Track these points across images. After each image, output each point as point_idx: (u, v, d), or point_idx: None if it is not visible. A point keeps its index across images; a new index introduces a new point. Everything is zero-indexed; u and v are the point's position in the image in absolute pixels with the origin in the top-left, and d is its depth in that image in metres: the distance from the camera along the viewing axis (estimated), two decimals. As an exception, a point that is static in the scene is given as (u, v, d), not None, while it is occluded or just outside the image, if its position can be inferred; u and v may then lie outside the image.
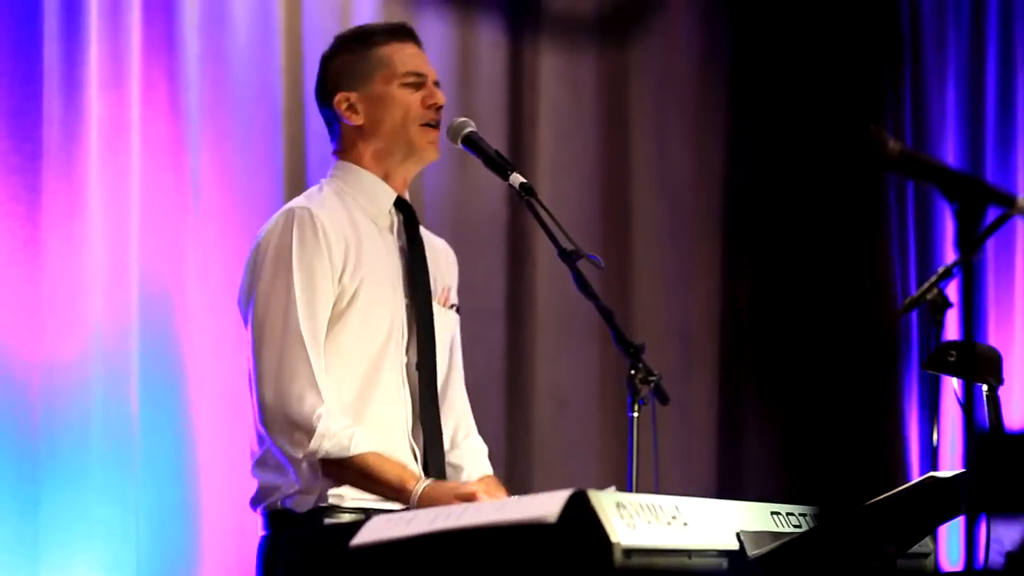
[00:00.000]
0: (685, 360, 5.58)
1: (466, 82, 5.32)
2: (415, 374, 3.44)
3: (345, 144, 3.51)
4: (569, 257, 3.40)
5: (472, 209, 5.30)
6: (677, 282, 5.63)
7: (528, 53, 5.49)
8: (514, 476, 4.96)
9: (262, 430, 3.31)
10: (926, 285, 3.92)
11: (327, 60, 3.55)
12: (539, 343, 5.38)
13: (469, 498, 3.14)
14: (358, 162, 3.50)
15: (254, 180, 4.71)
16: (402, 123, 3.46)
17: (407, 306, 3.45)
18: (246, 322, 3.40)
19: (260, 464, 3.38)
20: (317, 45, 4.93)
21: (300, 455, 3.25)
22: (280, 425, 3.27)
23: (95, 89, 4.40)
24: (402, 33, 3.53)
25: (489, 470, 3.63)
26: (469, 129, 3.51)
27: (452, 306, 3.59)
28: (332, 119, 3.52)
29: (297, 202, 3.44)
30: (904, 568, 3.09)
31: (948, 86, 6.14)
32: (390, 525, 2.62)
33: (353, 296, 3.37)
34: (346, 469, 3.27)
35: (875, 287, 5.82)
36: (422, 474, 3.34)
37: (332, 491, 3.30)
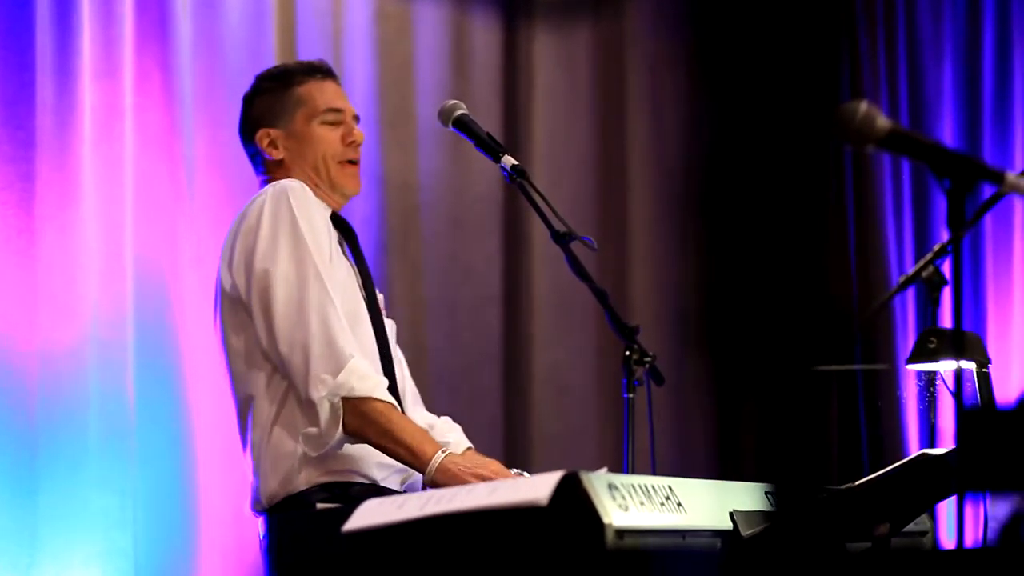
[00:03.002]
0: (682, 341, 5.57)
1: (461, 67, 5.31)
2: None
3: (272, 178, 3.60)
4: (562, 239, 3.40)
5: (468, 193, 5.30)
6: (673, 263, 5.62)
7: (522, 37, 5.48)
8: (513, 459, 4.95)
9: (298, 373, 3.27)
10: (921, 263, 3.91)
11: (249, 99, 3.71)
12: (536, 326, 5.38)
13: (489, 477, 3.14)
14: None
15: (248, 167, 4.67)
16: (323, 160, 3.57)
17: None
18: (249, 288, 3.38)
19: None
20: (310, 30, 4.93)
21: (324, 392, 3.23)
22: (314, 361, 3.25)
23: (88, 78, 4.39)
24: (321, 72, 3.66)
25: (469, 444, 3.64)
26: (460, 112, 3.51)
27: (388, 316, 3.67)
28: (255, 154, 3.67)
29: (273, 185, 3.49)
30: (900, 546, 3.09)
31: (945, 62, 6.12)
32: (382, 510, 2.61)
33: (340, 284, 3.43)
34: (368, 420, 3.25)
35: (865, 266, 5.82)
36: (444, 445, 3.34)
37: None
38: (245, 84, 4.74)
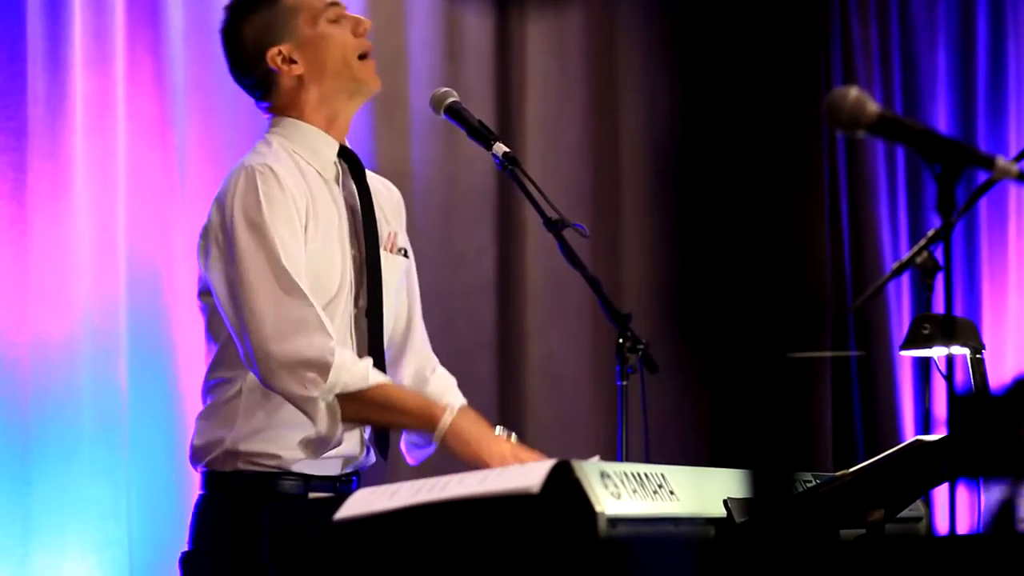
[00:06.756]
0: (676, 328, 5.56)
1: (453, 55, 5.30)
2: (364, 322, 3.35)
3: (284, 100, 3.38)
4: (554, 226, 3.38)
5: (461, 182, 5.29)
6: (667, 249, 5.61)
7: (515, 23, 5.47)
8: (507, 448, 4.96)
9: (268, 380, 3.14)
10: (915, 248, 3.91)
11: (235, 28, 3.43)
12: (530, 315, 5.37)
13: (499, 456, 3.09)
14: (299, 115, 3.38)
15: (240, 155, 4.68)
16: (343, 60, 3.38)
17: (354, 257, 3.36)
18: (210, 283, 3.25)
19: (204, 417, 3.28)
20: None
21: (316, 393, 3.11)
22: (289, 369, 3.11)
23: (79, 67, 4.38)
24: None
25: (462, 400, 3.52)
26: (452, 99, 3.48)
27: (400, 250, 3.49)
28: (263, 80, 3.39)
29: (252, 159, 3.31)
30: (894, 533, 3.08)
31: (938, 48, 6.11)
32: (374, 498, 2.61)
33: (311, 252, 3.27)
34: (365, 404, 3.15)
35: (858, 252, 5.82)
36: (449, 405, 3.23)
37: (273, 455, 3.23)
38: (237, 73, 4.75)
